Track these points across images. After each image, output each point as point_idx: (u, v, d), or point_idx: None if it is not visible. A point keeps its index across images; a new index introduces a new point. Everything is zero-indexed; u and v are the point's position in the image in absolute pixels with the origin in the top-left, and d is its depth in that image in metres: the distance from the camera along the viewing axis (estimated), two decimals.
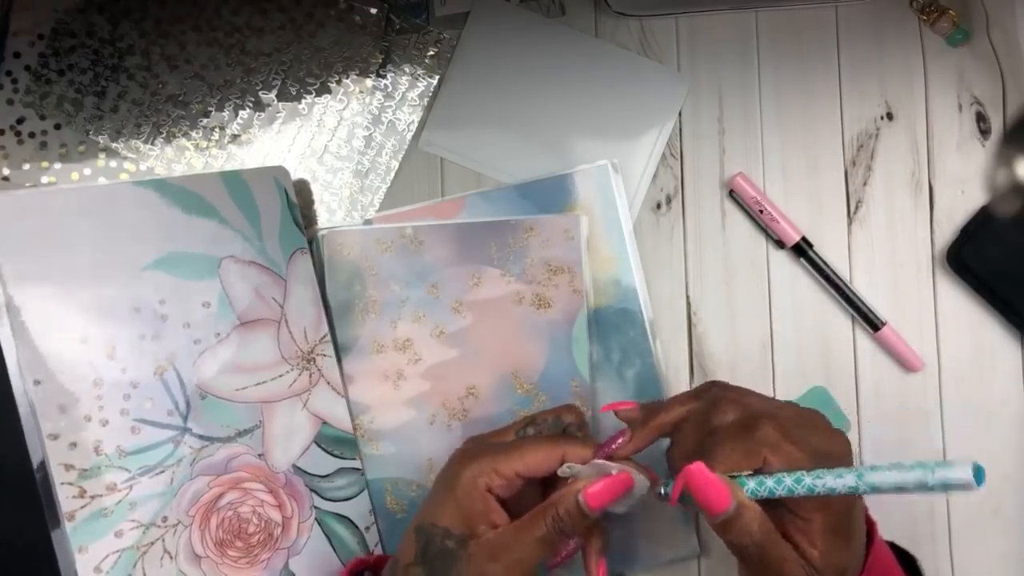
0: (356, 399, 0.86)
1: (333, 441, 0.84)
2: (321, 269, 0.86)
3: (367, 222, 0.88)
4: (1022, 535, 0.90)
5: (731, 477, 0.63)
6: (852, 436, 0.90)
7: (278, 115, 0.89)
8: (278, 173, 0.84)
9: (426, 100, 0.90)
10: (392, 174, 0.90)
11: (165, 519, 0.74)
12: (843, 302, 0.90)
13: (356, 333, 0.86)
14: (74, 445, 0.70)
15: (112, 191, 0.75)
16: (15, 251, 0.70)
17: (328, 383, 0.84)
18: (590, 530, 0.71)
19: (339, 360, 0.85)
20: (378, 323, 0.86)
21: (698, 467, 0.62)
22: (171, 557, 0.74)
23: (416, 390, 0.86)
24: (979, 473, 0.58)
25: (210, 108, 0.88)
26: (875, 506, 0.89)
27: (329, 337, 0.85)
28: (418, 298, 0.86)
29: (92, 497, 0.70)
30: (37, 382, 0.69)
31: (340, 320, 0.86)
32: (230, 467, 0.78)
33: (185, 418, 0.76)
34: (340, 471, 0.84)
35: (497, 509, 0.69)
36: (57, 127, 0.86)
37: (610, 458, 0.70)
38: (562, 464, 0.69)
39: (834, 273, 0.90)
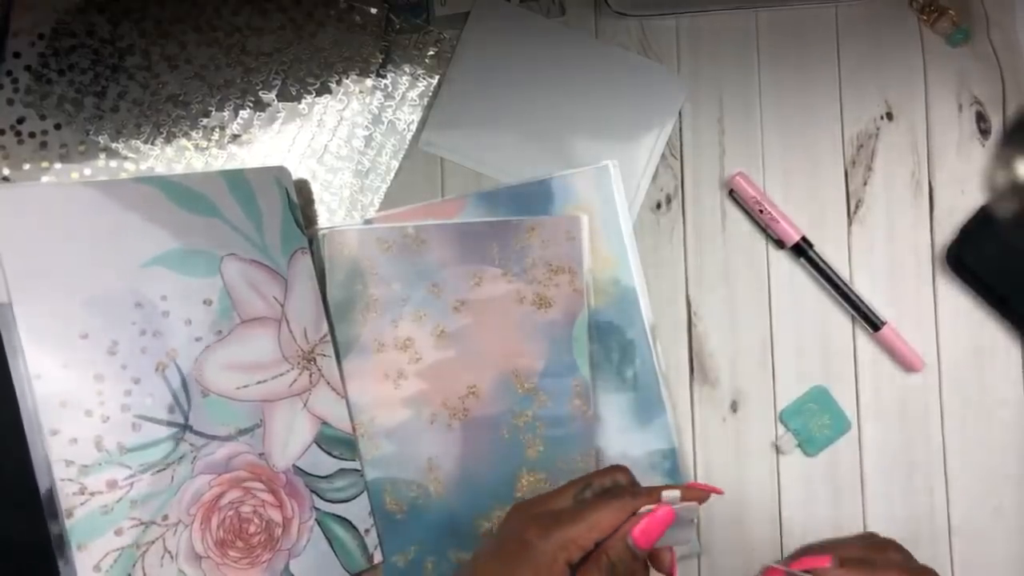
0: (356, 398, 0.86)
1: (333, 441, 0.84)
2: (321, 268, 0.86)
3: (367, 222, 0.88)
4: (1022, 535, 0.90)
5: None
6: (852, 435, 0.90)
7: (278, 115, 0.89)
8: (279, 173, 0.84)
9: (426, 100, 0.90)
10: (392, 174, 0.90)
11: (166, 517, 0.74)
12: (843, 302, 0.90)
13: (357, 332, 0.86)
14: (75, 441, 0.69)
15: (115, 188, 0.75)
16: (17, 246, 0.69)
17: (328, 383, 0.84)
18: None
19: (339, 361, 0.85)
20: (379, 322, 0.86)
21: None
22: (171, 557, 0.74)
23: (417, 389, 0.86)
24: None
25: (210, 108, 0.88)
26: (877, 503, 0.90)
27: (329, 337, 0.85)
28: (419, 297, 0.86)
29: (92, 494, 0.70)
30: (38, 377, 0.69)
31: (341, 319, 0.86)
32: (231, 466, 0.77)
33: (186, 415, 0.75)
34: (340, 472, 0.84)
35: None
36: (57, 127, 0.86)
37: None
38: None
39: (834, 273, 0.90)
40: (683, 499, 0.69)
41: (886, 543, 0.79)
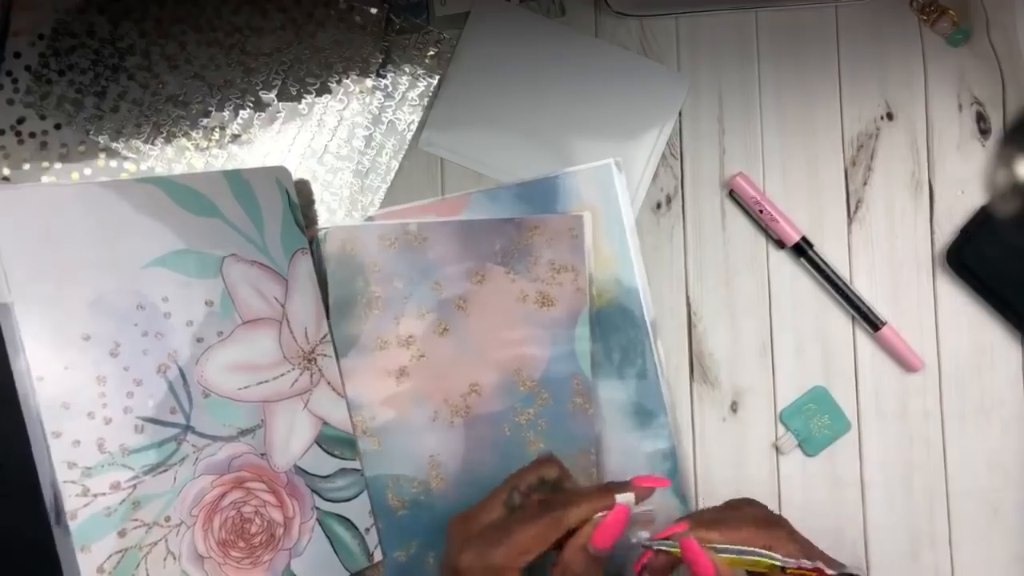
0: (358, 395, 0.86)
1: (334, 441, 0.84)
2: (322, 268, 0.86)
3: (369, 219, 0.88)
4: (1022, 535, 0.90)
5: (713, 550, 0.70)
6: (852, 436, 0.90)
7: (278, 115, 0.89)
8: (280, 173, 0.84)
9: (426, 100, 0.90)
10: (392, 174, 0.90)
11: (168, 518, 0.74)
12: (843, 302, 0.90)
13: (359, 329, 0.86)
14: (77, 443, 0.69)
15: (116, 188, 0.74)
16: (18, 247, 0.69)
17: (329, 383, 0.84)
18: None
19: (339, 359, 0.85)
20: (381, 319, 0.86)
21: (689, 542, 0.69)
22: (174, 557, 0.74)
23: (418, 386, 0.86)
24: None
25: (210, 108, 0.88)
26: (876, 503, 0.90)
27: (330, 338, 0.85)
28: (421, 295, 0.86)
29: (95, 496, 0.70)
30: (40, 379, 0.69)
31: (343, 316, 0.86)
32: (232, 466, 0.78)
33: (188, 417, 0.75)
34: (341, 471, 0.84)
35: None
36: (57, 127, 0.86)
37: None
38: (564, 531, 0.70)
39: (834, 273, 0.90)
40: (626, 492, 0.70)
41: (742, 501, 0.77)
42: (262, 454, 0.79)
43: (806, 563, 0.68)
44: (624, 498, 0.69)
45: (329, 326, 0.85)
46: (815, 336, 0.91)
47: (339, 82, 0.90)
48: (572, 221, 0.87)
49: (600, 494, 0.71)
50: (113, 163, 0.87)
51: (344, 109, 0.90)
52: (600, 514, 0.69)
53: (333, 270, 0.86)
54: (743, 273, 0.91)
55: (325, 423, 0.83)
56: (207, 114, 0.88)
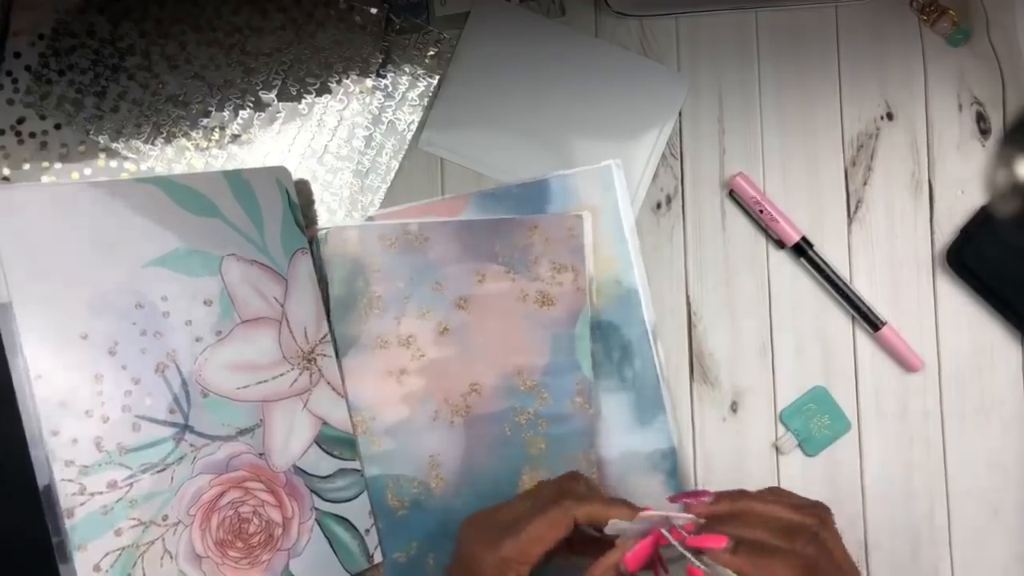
0: (358, 395, 0.86)
1: (333, 442, 0.84)
2: (322, 267, 0.86)
3: (369, 219, 0.88)
4: (1022, 535, 0.90)
5: None
6: (852, 436, 0.90)
7: (278, 115, 0.89)
8: (280, 173, 0.84)
9: (426, 100, 0.90)
10: (392, 174, 0.90)
11: (166, 518, 0.74)
12: (843, 302, 0.90)
13: (359, 329, 0.86)
14: (75, 441, 0.69)
15: (115, 188, 0.75)
16: (17, 246, 0.69)
17: (328, 383, 0.84)
18: None
19: (339, 358, 0.85)
20: (381, 319, 0.86)
21: None
22: (171, 557, 0.74)
23: (419, 386, 0.86)
24: None
25: (210, 108, 0.88)
26: (877, 503, 0.90)
27: (330, 337, 0.85)
28: (421, 294, 0.86)
29: (92, 494, 0.70)
30: (38, 378, 0.69)
31: (343, 316, 0.86)
32: (231, 466, 0.77)
33: (186, 416, 0.75)
34: (340, 472, 0.84)
35: None
36: (57, 127, 0.86)
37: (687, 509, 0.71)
38: (575, 527, 0.70)
39: (834, 273, 0.90)
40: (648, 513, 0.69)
41: (801, 529, 0.66)
42: (261, 454, 0.79)
43: None
44: (648, 515, 0.68)
45: (329, 326, 0.85)
46: (815, 336, 0.91)
47: (339, 82, 0.90)
48: (572, 221, 0.87)
49: (613, 500, 0.71)
50: (113, 163, 0.87)
51: (344, 109, 0.90)
52: (634, 536, 0.68)
53: (333, 270, 0.86)
54: (743, 273, 0.91)
55: (325, 423, 0.83)
56: (207, 114, 0.88)
